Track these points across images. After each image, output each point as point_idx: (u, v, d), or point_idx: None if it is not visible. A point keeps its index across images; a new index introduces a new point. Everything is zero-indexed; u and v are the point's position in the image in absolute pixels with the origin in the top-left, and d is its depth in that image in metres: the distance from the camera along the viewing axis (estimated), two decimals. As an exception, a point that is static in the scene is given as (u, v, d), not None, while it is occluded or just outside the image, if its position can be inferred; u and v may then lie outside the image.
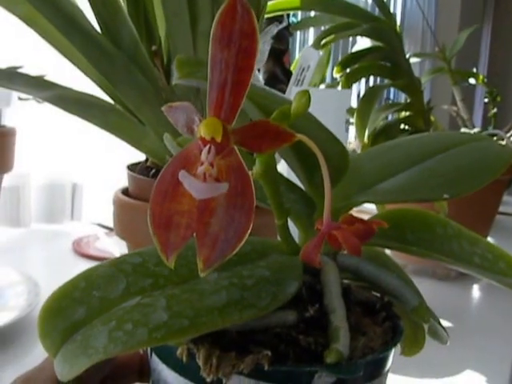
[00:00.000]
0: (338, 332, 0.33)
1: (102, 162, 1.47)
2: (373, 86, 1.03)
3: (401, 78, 1.02)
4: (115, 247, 1.06)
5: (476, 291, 1.02)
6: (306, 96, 0.27)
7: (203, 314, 0.28)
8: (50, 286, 0.85)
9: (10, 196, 1.34)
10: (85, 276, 0.32)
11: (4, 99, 0.68)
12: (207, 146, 0.24)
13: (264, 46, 0.53)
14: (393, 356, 0.37)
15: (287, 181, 0.38)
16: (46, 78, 0.56)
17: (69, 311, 0.30)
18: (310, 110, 0.35)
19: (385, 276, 0.38)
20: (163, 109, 0.25)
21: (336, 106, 0.49)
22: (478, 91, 3.42)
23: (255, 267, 0.34)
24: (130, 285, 0.31)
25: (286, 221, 0.34)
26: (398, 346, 0.43)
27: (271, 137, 0.24)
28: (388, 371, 0.37)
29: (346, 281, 0.40)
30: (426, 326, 0.41)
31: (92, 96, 0.55)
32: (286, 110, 0.27)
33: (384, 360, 0.35)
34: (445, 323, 0.82)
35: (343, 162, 0.34)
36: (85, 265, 0.99)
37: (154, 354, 0.36)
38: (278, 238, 0.37)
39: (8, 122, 0.72)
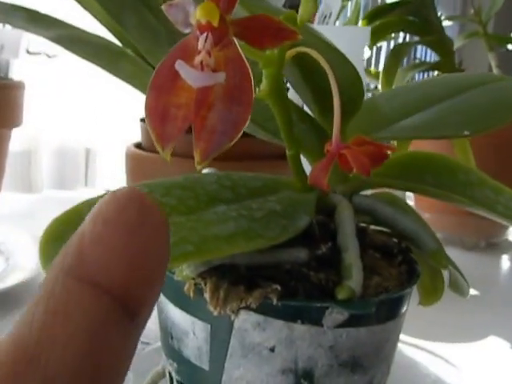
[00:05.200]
0: (351, 269, 0.33)
1: (116, 128, 1.47)
2: (400, 43, 1.02)
3: (431, 34, 1.01)
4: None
5: (505, 261, 1.02)
6: (312, 0, 0.27)
7: (209, 241, 0.29)
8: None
9: (21, 160, 1.35)
10: (89, 203, 0.32)
11: (12, 50, 0.68)
12: (204, 34, 0.24)
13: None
14: (409, 300, 0.37)
15: (298, 108, 0.38)
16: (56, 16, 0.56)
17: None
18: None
19: (402, 218, 0.39)
20: (163, 7, 0.25)
21: (354, 43, 0.48)
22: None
23: (265, 201, 0.34)
24: (136, 213, 0.31)
25: (298, 153, 0.34)
26: (416, 298, 0.43)
27: (272, 32, 0.24)
28: (404, 314, 0.37)
29: (362, 224, 0.41)
30: (445, 275, 0.41)
31: (102, 38, 0.55)
32: (292, 15, 0.28)
33: (399, 300, 0.35)
34: (471, 292, 0.82)
35: (356, 88, 0.34)
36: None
37: (161, 294, 0.37)
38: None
39: (16, 75, 0.73)
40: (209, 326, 0.34)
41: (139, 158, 0.67)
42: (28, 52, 0.70)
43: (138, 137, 0.74)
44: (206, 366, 0.34)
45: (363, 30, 0.56)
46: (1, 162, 0.72)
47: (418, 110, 0.40)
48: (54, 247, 0.30)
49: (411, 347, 0.62)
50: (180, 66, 0.23)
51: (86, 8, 0.58)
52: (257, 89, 0.28)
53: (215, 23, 0.24)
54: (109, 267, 0.18)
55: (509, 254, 1.03)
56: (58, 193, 1.43)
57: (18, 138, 0.74)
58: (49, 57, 0.63)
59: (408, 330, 0.42)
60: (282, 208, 0.33)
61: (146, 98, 0.24)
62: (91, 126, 1.48)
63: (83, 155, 1.52)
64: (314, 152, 0.36)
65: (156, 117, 0.24)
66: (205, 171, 0.42)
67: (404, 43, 1.03)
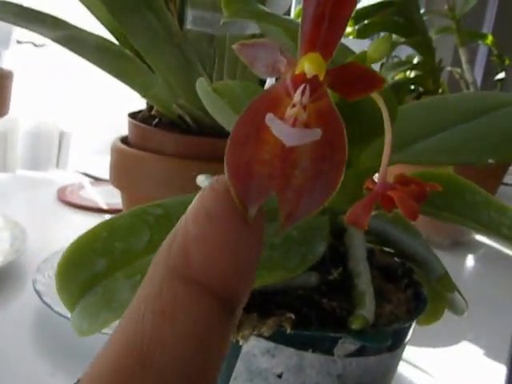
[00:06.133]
0: (364, 297, 0.32)
1: (92, 112, 1.45)
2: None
3: (414, 35, 1.00)
4: (100, 197, 1.05)
5: (470, 261, 1.02)
6: (386, 42, 0.25)
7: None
8: (33, 232, 0.82)
9: (-2, 140, 1.32)
10: (106, 226, 0.30)
11: (3, 41, 0.66)
12: (302, 86, 0.20)
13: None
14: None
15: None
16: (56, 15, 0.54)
17: (89, 262, 0.29)
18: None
19: (411, 242, 0.38)
20: (234, 47, 0.22)
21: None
22: (480, 53, 3.37)
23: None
24: (154, 237, 0.30)
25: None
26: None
27: (364, 81, 0.22)
28: (407, 342, 0.36)
29: (368, 244, 0.40)
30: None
31: (102, 38, 0.53)
32: (363, 56, 0.26)
33: (408, 329, 0.34)
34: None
35: (392, 113, 0.32)
36: (69, 213, 0.99)
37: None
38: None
39: (5, 64, 0.70)
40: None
41: (124, 154, 0.65)
42: (18, 42, 0.67)
43: (112, 121, 0.71)
44: (207, 385, 0.33)
45: (363, 43, 0.54)
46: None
47: (437, 131, 0.38)
48: (72, 273, 0.29)
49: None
50: (271, 122, 0.20)
51: (87, 7, 0.56)
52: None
53: (322, 76, 0.21)
54: (213, 268, 0.18)
55: (474, 253, 1.03)
56: (30, 173, 1.39)
57: (-1, 119, 0.72)
58: (36, 46, 0.61)
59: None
60: (298, 233, 0.32)
61: (227, 151, 0.20)
62: (67, 110, 1.46)
63: (57, 137, 1.49)
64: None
65: (238, 174, 0.20)
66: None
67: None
